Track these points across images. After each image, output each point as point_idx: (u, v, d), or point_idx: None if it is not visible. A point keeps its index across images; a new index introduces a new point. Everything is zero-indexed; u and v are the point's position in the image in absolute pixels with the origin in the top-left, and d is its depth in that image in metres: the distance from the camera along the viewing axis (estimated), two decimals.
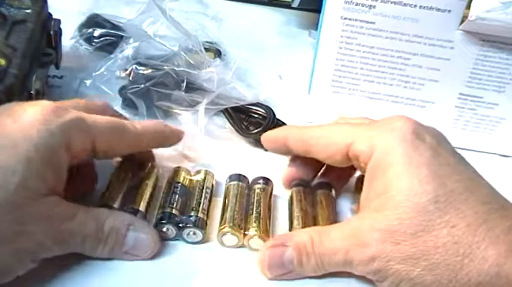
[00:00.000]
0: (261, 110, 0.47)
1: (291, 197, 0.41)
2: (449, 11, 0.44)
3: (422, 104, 0.49)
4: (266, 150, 0.47)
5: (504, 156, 0.51)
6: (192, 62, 0.48)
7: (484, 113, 0.49)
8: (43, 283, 0.34)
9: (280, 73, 0.52)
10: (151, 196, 0.40)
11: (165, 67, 0.47)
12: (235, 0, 0.70)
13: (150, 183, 0.40)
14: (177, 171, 0.42)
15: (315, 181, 0.43)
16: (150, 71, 0.47)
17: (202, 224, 0.38)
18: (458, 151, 0.49)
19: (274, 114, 0.47)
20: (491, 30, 0.44)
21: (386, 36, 0.46)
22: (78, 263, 0.35)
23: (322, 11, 0.47)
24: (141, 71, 0.47)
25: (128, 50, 0.49)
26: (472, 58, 0.46)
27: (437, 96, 0.49)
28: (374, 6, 0.45)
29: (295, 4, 0.66)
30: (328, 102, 0.50)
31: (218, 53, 0.56)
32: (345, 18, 0.46)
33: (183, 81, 0.47)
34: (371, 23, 0.46)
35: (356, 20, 0.46)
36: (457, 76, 0.47)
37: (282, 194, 0.42)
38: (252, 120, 0.48)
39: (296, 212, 0.39)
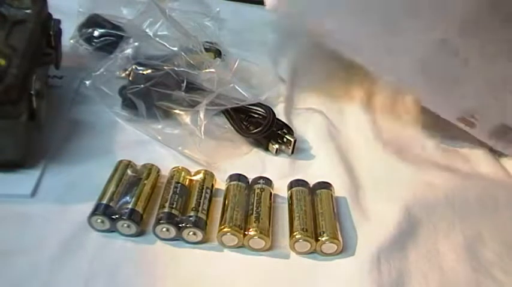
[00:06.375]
0: (261, 110, 0.47)
1: (291, 197, 0.41)
2: None
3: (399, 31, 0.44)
4: (267, 149, 0.47)
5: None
6: (192, 62, 0.48)
7: (453, 68, 0.45)
8: None
9: (280, 73, 0.52)
10: (151, 196, 0.40)
11: (165, 67, 0.47)
12: (235, 0, 0.70)
13: (149, 183, 0.40)
14: (177, 171, 0.42)
15: (315, 181, 0.43)
16: (150, 71, 0.47)
17: (202, 224, 0.38)
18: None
19: (274, 114, 0.47)
20: None
21: None
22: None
23: None
24: (141, 71, 0.47)
25: (128, 50, 0.49)
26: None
27: (418, 26, 0.44)
28: None
29: None
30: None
31: (218, 53, 0.56)
32: None
33: (183, 82, 0.47)
34: None
35: None
36: (454, 13, 0.43)
37: (282, 194, 0.42)
38: (252, 120, 0.48)
39: (296, 212, 0.39)
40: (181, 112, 0.47)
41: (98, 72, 0.48)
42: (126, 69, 0.48)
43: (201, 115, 0.45)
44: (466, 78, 0.47)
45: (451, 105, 0.49)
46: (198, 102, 0.46)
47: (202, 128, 0.45)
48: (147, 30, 0.49)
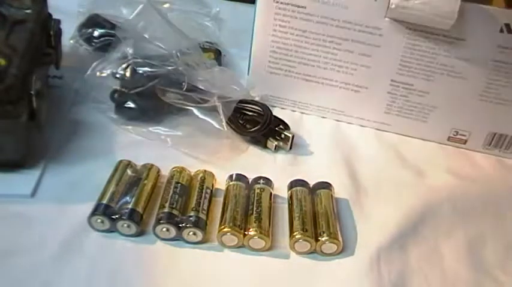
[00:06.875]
0: (257, 108, 0.47)
1: (291, 197, 0.41)
2: None
3: (356, 88, 0.50)
4: (265, 147, 0.47)
5: (439, 143, 0.52)
6: (190, 62, 0.48)
7: (416, 100, 0.50)
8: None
9: None
10: (151, 196, 0.40)
11: (162, 68, 0.47)
12: (235, 0, 0.70)
13: (149, 183, 0.40)
14: (177, 171, 0.42)
15: (315, 181, 0.43)
16: (148, 72, 0.46)
17: (202, 224, 0.38)
18: (394, 135, 0.52)
19: (271, 112, 0.47)
20: (412, 19, 0.45)
21: (317, 21, 0.47)
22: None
23: None
24: (140, 71, 0.46)
25: (124, 50, 0.48)
26: (400, 46, 0.47)
27: (370, 82, 0.50)
28: None
29: None
30: (265, 83, 0.52)
31: (218, 53, 0.56)
32: (278, 2, 0.47)
33: (181, 82, 0.47)
34: (302, 7, 0.47)
35: (288, 4, 0.47)
36: (388, 63, 0.48)
37: (282, 194, 0.42)
38: (247, 118, 0.47)
39: (296, 212, 0.39)
40: (179, 112, 0.47)
41: (96, 74, 0.48)
42: (120, 70, 0.47)
43: (220, 109, 0.46)
44: (432, 104, 0.50)
45: (432, 131, 0.51)
46: (197, 102, 0.46)
47: (224, 121, 0.45)
48: (144, 31, 0.49)
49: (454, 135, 0.51)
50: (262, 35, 0.49)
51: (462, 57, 0.47)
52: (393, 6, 0.45)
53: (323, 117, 0.53)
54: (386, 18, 0.46)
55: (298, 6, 0.47)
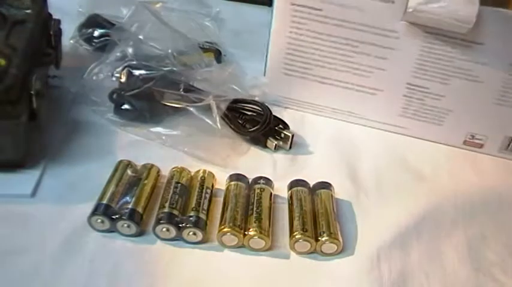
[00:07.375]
0: (257, 108, 0.47)
1: (291, 197, 0.41)
2: (393, 1, 0.45)
3: (372, 91, 0.50)
4: (265, 146, 0.47)
5: (453, 146, 0.52)
6: (188, 62, 0.48)
7: (432, 103, 0.50)
8: None
9: None
10: (151, 196, 0.40)
11: (158, 69, 0.46)
12: (235, 0, 0.70)
13: (149, 183, 0.40)
14: (177, 171, 0.42)
15: (315, 181, 0.43)
16: (145, 73, 0.46)
17: (202, 224, 0.38)
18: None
19: (271, 111, 0.47)
20: (430, 22, 0.45)
21: (333, 24, 0.47)
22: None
23: None
24: (136, 74, 0.46)
25: (120, 52, 0.48)
26: (417, 49, 0.47)
27: (386, 85, 0.50)
28: None
29: None
30: (281, 84, 0.52)
31: (218, 53, 0.56)
32: (294, 4, 0.47)
33: (179, 83, 0.47)
34: (318, 9, 0.47)
35: (304, 6, 0.47)
36: (404, 66, 0.48)
37: (282, 194, 0.42)
38: (246, 118, 0.47)
39: (296, 212, 0.39)
40: (176, 113, 0.47)
41: (88, 77, 0.48)
42: (115, 73, 0.47)
43: (214, 107, 0.45)
44: (447, 107, 0.50)
45: (448, 134, 0.51)
46: (195, 102, 0.46)
47: (218, 119, 0.45)
48: (141, 32, 0.49)
49: (470, 139, 0.50)
50: (279, 37, 0.49)
51: (479, 61, 0.46)
52: (410, 9, 0.44)
53: (338, 119, 0.53)
54: (403, 22, 0.46)
55: (315, 9, 0.47)
